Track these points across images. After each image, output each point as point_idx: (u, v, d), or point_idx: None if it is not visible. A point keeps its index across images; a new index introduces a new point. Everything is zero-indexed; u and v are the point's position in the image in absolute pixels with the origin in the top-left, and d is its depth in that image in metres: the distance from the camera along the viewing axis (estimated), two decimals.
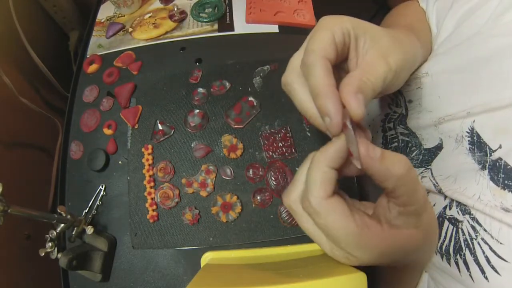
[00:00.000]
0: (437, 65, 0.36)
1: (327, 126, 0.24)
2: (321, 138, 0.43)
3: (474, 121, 0.31)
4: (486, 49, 0.31)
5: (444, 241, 0.33)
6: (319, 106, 0.24)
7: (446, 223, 0.33)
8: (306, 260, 0.37)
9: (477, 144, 0.30)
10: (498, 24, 0.31)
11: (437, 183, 0.35)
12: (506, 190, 0.27)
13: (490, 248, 0.28)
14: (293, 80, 0.27)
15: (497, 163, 0.28)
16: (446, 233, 0.33)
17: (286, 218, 0.40)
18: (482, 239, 0.29)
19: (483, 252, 0.29)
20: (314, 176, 0.23)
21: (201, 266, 0.38)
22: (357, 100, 0.23)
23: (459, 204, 0.32)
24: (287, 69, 0.28)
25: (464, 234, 0.31)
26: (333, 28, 0.25)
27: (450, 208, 0.33)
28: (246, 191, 0.41)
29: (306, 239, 0.40)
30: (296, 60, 0.27)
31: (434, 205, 0.35)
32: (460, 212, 0.31)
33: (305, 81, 0.25)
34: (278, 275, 0.31)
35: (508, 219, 0.26)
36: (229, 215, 0.40)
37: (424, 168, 0.38)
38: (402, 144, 0.43)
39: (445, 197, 0.34)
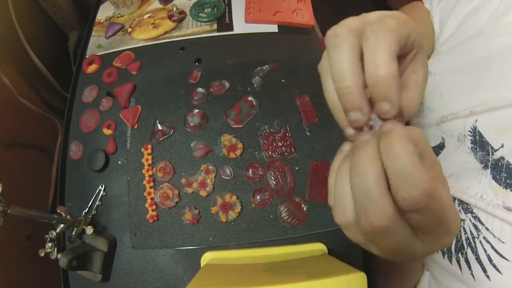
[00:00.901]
0: (440, 64, 0.36)
1: (385, 113, 0.19)
2: (321, 138, 0.43)
3: (476, 120, 0.31)
4: (488, 49, 0.31)
5: None
6: (380, 89, 0.19)
7: None
8: (306, 260, 0.37)
9: (479, 143, 0.30)
10: (499, 24, 0.31)
11: None
12: (509, 189, 0.27)
13: (492, 247, 0.28)
14: (347, 35, 0.21)
15: (500, 162, 0.28)
16: None
17: (285, 218, 0.40)
18: (484, 237, 0.29)
19: (485, 251, 0.29)
20: (413, 169, 0.18)
21: (201, 266, 0.38)
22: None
23: (461, 202, 0.32)
24: (340, 24, 0.22)
25: (466, 233, 0.31)
26: (412, 26, 0.21)
27: None
28: (246, 190, 0.41)
29: (306, 239, 0.40)
30: (354, 20, 0.22)
31: None
32: (462, 210, 0.31)
33: (356, 45, 0.20)
34: (278, 275, 0.31)
35: (510, 218, 0.26)
36: (229, 215, 0.40)
37: None
38: None
39: None
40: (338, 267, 0.31)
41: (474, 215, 0.30)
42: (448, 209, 0.19)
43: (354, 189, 0.19)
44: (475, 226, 0.30)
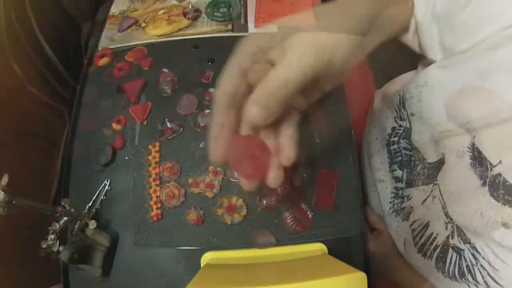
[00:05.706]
0: (437, 76, 0.36)
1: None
2: (330, 145, 0.43)
3: (474, 137, 0.31)
4: (486, 62, 0.30)
5: (450, 266, 0.36)
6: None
7: (450, 250, 0.35)
8: (306, 260, 0.36)
9: (478, 159, 0.31)
10: (498, 38, 0.30)
11: (444, 204, 0.36)
12: (507, 205, 0.28)
13: (488, 274, 0.31)
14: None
15: (496, 179, 0.29)
16: (451, 259, 0.35)
17: (290, 224, 0.40)
18: (481, 265, 0.31)
19: (483, 277, 0.31)
20: None
21: (201, 266, 0.38)
22: (250, 110, 0.25)
23: (460, 233, 0.34)
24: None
25: (466, 261, 0.33)
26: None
27: (452, 238, 0.35)
28: (252, 194, 0.41)
29: (306, 239, 0.39)
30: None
31: (437, 234, 0.37)
32: (461, 241, 0.34)
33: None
34: (278, 275, 0.31)
35: (505, 240, 0.28)
36: (234, 218, 0.39)
37: (432, 185, 0.38)
38: (406, 159, 0.43)
39: (446, 225, 0.36)
40: (338, 267, 0.31)
41: (472, 245, 0.32)
42: None
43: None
44: (473, 255, 0.32)
